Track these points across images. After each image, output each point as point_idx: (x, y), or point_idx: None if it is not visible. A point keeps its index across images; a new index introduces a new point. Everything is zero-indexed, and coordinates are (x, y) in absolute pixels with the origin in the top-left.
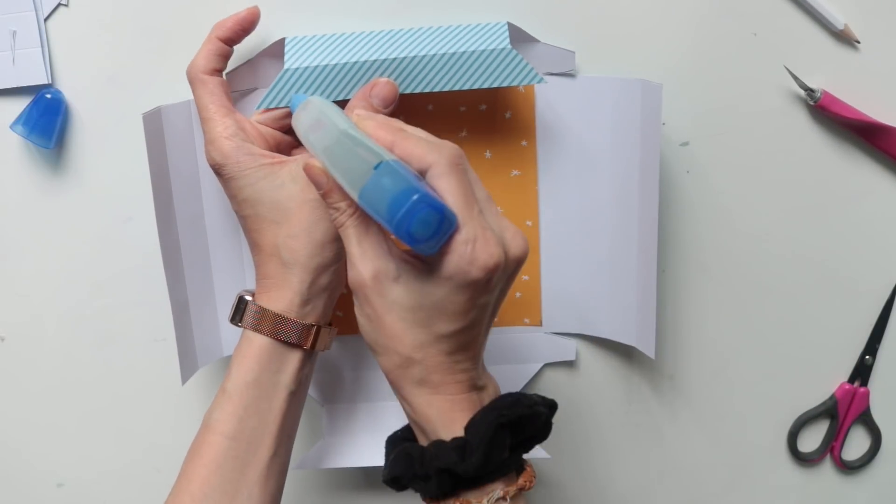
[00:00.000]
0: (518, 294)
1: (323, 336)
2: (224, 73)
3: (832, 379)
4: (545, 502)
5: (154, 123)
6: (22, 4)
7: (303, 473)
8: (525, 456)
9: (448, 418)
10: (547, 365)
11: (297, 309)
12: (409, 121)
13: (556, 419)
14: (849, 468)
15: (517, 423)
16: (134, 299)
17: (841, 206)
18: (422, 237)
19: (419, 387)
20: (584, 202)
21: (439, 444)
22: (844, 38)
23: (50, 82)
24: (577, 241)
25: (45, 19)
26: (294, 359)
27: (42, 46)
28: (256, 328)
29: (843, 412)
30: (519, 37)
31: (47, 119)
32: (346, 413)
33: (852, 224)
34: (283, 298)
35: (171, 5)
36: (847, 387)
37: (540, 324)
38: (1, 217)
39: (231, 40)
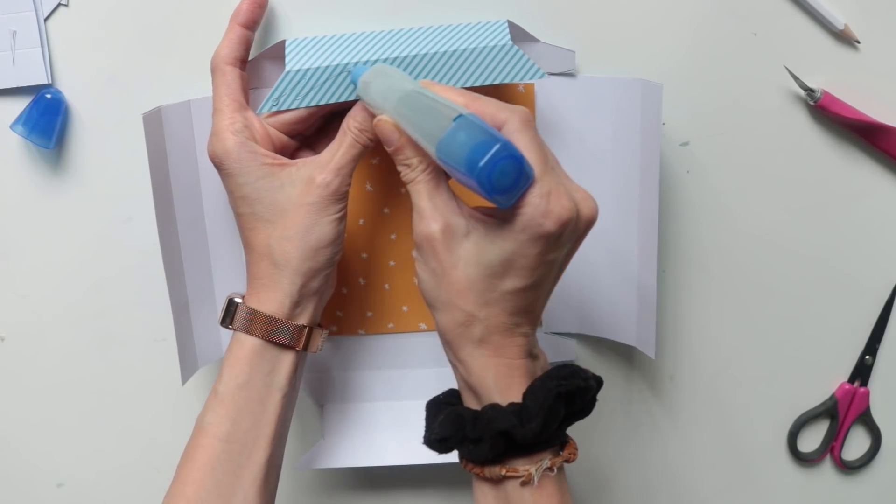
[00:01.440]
0: None
1: (314, 337)
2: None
3: (832, 379)
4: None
5: (154, 123)
6: (22, 4)
7: (302, 473)
8: None
9: (504, 383)
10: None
11: (287, 310)
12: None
13: None
14: (849, 468)
15: (571, 395)
16: (134, 299)
17: (841, 205)
18: (501, 187)
19: (478, 347)
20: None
21: (496, 407)
22: (844, 38)
23: (50, 82)
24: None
25: (45, 19)
26: (286, 360)
27: (42, 46)
28: (247, 330)
29: (843, 412)
30: (519, 36)
31: (47, 119)
32: (344, 413)
33: (852, 224)
34: (274, 300)
35: (170, 5)
36: (847, 387)
37: (540, 324)
38: (1, 217)
39: (251, 23)
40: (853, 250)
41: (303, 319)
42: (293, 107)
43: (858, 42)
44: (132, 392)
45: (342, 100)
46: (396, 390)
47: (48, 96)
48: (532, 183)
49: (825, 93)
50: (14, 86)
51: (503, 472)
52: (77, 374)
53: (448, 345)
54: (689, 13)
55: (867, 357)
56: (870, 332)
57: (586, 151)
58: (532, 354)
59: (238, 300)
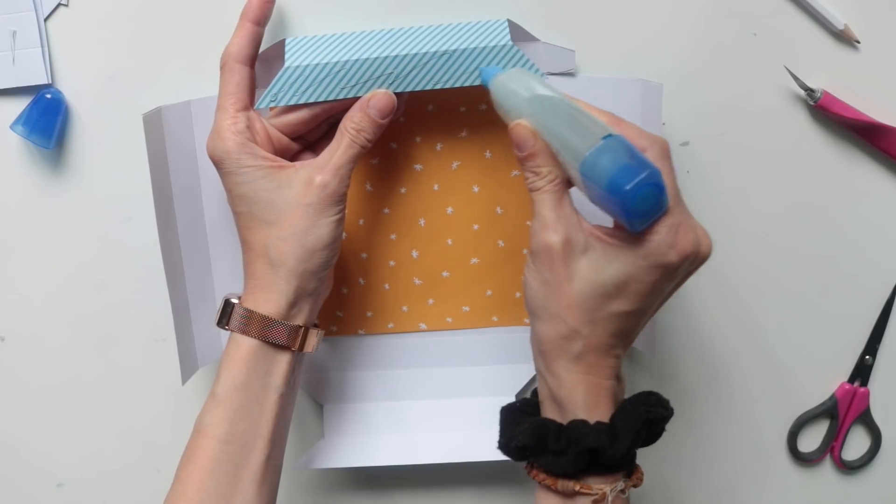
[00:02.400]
0: (518, 294)
1: (310, 337)
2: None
3: (832, 379)
4: None
5: (154, 124)
6: (22, 4)
7: (303, 473)
8: None
9: (593, 401)
10: None
11: (283, 311)
12: (409, 121)
13: None
14: (849, 468)
15: (652, 423)
16: (134, 299)
17: (841, 205)
18: (640, 211)
19: (574, 363)
20: (585, 202)
21: (585, 423)
22: (844, 38)
23: (50, 82)
24: None
25: (45, 19)
26: (283, 361)
27: (42, 46)
28: (244, 331)
29: (843, 412)
30: (519, 35)
31: (47, 119)
32: (344, 413)
33: (852, 224)
34: (270, 300)
35: (170, 5)
36: (847, 387)
37: None
38: (1, 217)
39: (261, 20)
40: (853, 250)
41: (299, 320)
42: (291, 103)
43: (858, 42)
44: (132, 392)
45: (341, 97)
46: (396, 390)
47: (48, 96)
48: (665, 212)
49: (825, 93)
50: (14, 86)
51: (577, 487)
52: (77, 373)
53: (543, 355)
54: (689, 13)
55: (867, 357)
56: (870, 332)
57: None
58: (619, 377)
59: (234, 301)
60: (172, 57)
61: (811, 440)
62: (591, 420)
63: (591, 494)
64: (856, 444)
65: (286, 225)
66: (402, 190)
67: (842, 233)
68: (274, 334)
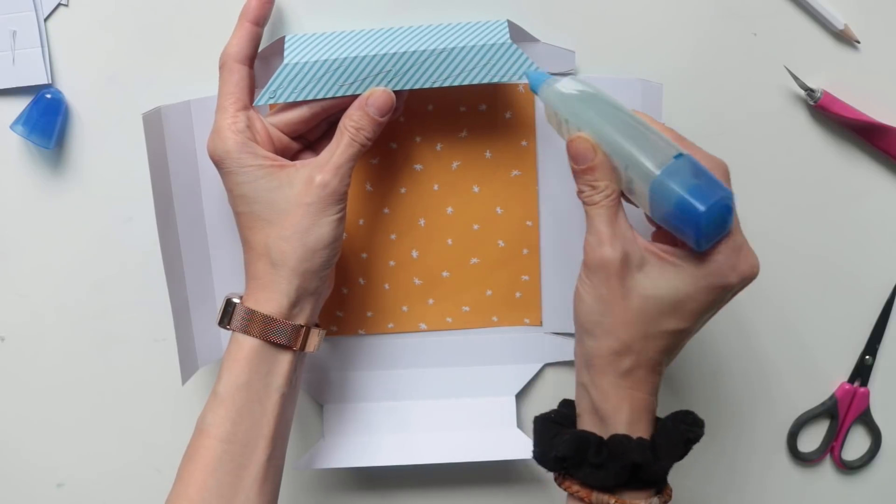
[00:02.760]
0: (518, 294)
1: (312, 337)
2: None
3: (832, 379)
4: (545, 502)
5: (154, 124)
6: (22, 4)
7: (303, 473)
8: (524, 456)
9: (636, 417)
10: (547, 365)
11: (285, 311)
12: (409, 121)
13: None
14: (849, 468)
15: (689, 442)
16: (134, 299)
17: (841, 205)
18: (709, 233)
19: (622, 378)
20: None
21: (628, 439)
22: (844, 38)
23: (50, 82)
24: (577, 242)
25: (45, 19)
26: (284, 360)
27: (42, 46)
28: (246, 330)
29: (843, 412)
30: (519, 36)
31: (47, 119)
32: (344, 413)
33: (852, 224)
34: (272, 300)
35: (170, 5)
36: (847, 387)
37: (540, 324)
38: (1, 217)
39: (260, 20)
40: (853, 250)
41: (300, 319)
42: (290, 100)
43: (858, 42)
44: (132, 392)
45: (340, 94)
46: (396, 390)
47: (48, 96)
48: (728, 234)
49: (825, 93)
50: (14, 86)
51: (612, 501)
52: (77, 373)
53: (591, 369)
54: (689, 13)
55: (867, 357)
56: (870, 332)
57: None
58: (656, 393)
59: (236, 300)
60: (172, 57)
61: (811, 440)
62: (633, 435)
63: None
64: (856, 444)
65: (287, 224)
66: (402, 190)
67: (842, 233)
68: (275, 334)
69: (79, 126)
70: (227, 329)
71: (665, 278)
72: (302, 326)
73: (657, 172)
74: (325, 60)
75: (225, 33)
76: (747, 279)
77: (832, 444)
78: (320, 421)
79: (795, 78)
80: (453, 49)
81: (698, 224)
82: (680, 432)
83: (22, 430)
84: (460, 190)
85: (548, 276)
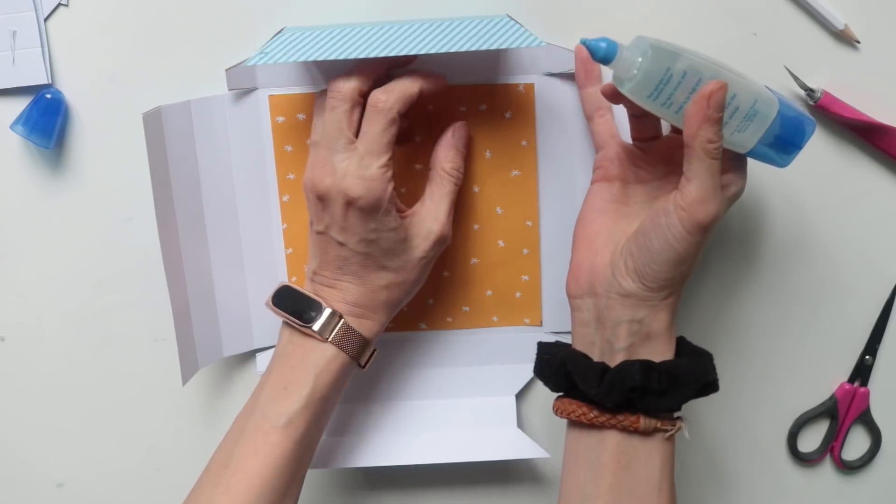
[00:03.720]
0: (518, 294)
1: (371, 358)
2: (225, 70)
3: (832, 379)
4: (545, 502)
5: (154, 124)
6: (22, 4)
7: None
8: (524, 456)
9: (674, 338)
10: None
11: (375, 337)
12: (410, 122)
13: (556, 419)
14: (849, 468)
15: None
16: (134, 299)
17: (841, 205)
18: (801, 146)
19: (676, 304)
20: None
21: (687, 363)
22: (844, 38)
23: (50, 82)
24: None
25: (45, 19)
26: (352, 375)
27: (42, 46)
28: (342, 346)
29: (843, 412)
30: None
31: (47, 119)
32: (345, 414)
33: (852, 224)
34: (373, 328)
35: (170, 5)
36: (847, 387)
37: (540, 324)
38: (1, 217)
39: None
40: (853, 250)
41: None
42: (282, 61)
43: (858, 42)
44: (132, 392)
45: (340, 57)
46: (396, 390)
47: (48, 96)
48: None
49: (825, 93)
50: (14, 86)
51: (659, 424)
52: (77, 374)
53: (657, 307)
54: (689, 13)
55: (867, 357)
56: (870, 332)
57: (586, 152)
58: None
59: (331, 311)
60: (172, 57)
61: (811, 440)
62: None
63: (668, 429)
64: (856, 444)
65: (405, 275)
66: (403, 190)
67: (842, 233)
68: (364, 356)
69: (79, 126)
70: (325, 341)
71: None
72: (375, 350)
73: (779, 101)
74: (324, 28)
75: (225, 33)
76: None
77: (832, 444)
78: None
79: (795, 78)
80: (452, 20)
81: (806, 136)
82: (704, 350)
83: (22, 430)
84: (460, 190)
85: (548, 276)
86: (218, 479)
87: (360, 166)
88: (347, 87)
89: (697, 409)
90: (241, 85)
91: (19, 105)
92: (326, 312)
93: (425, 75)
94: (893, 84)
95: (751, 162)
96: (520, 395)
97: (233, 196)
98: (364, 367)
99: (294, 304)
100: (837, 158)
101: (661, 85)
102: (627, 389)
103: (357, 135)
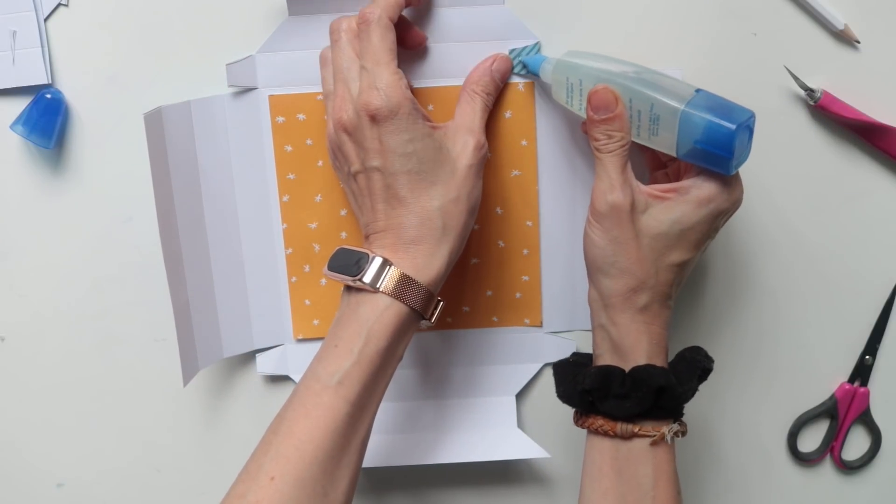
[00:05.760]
0: (518, 294)
1: (437, 310)
2: (227, 65)
3: (832, 379)
4: (545, 502)
5: (155, 124)
6: (22, 4)
7: None
8: (524, 456)
9: (655, 350)
10: (547, 365)
11: (439, 280)
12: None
13: (556, 419)
14: (849, 468)
15: (704, 374)
16: (134, 299)
17: (841, 205)
18: (738, 154)
19: (640, 313)
20: (585, 202)
21: (651, 366)
22: (844, 38)
23: (50, 82)
24: (577, 242)
25: (45, 19)
26: (414, 328)
27: (42, 46)
28: (399, 296)
29: (843, 412)
30: (518, 32)
31: (47, 119)
32: None
33: (852, 224)
34: (433, 268)
35: (170, 5)
36: (847, 387)
37: (540, 324)
38: (1, 217)
39: None
40: (853, 250)
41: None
42: None
43: (858, 42)
44: (132, 392)
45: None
46: (396, 390)
47: (48, 96)
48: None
49: (825, 93)
50: (14, 86)
51: (636, 429)
52: (77, 373)
53: (609, 308)
54: (689, 13)
55: (867, 357)
56: (870, 332)
57: (586, 152)
58: (668, 327)
59: (381, 259)
60: (172, 57)
61: (811, 440)
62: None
63: (650, 436)
64: (856, 444)
65: (454, 186)
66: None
67: (842, 233)
68: (426, 305)
69: (79, 126)
70: (376, 290)
71: (668, 215)
72: (440, 300)
73: (682, 106)
74: None
75: (225, 33)
76: (738, 203)
77: (832, 444)
78: None
79: (795, 78)
80: None
81: (730, 144)
82: (697, 361)
83: (22, 430)
84: None
85: (548, 276)
86: (268, 446)
87: (370, 80)
88: (344, 22)
89: (698, 409)
90: (242, 81)
91: (19, 105)
92: (376, 261)
93: None
94: (893, 84)
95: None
96: (520, 396)
97: (233, 196)
98: (430, 318)
99: (345, 262)
100: (837, 158)
101: (570, 91)
102: (581, 392)
103: (387, 52)
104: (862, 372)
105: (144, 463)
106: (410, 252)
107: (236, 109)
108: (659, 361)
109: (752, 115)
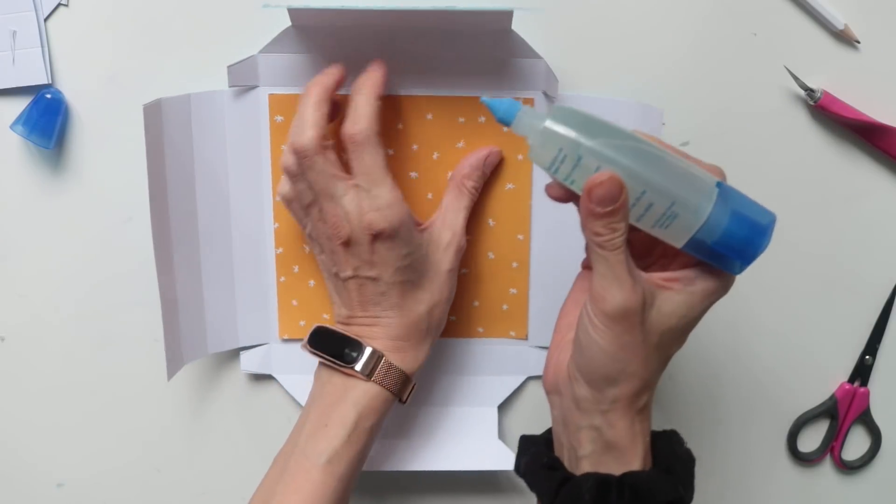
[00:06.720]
0: (505, 307)
1: (412, 391)
2: (228, 67)
3: (832, 379)
4: None
5: (154, 116)
6: (22, 4)
7: None
8: (504, 467)
9: (647, 451)
10: (530, 378)
11: (418, 370)
12: (406, 129)
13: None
14: (849, 468)
15: None
16: (134, 299)
17: (841, 205)
18: (753, 257)
19: (639, 413)
20: (576, 219)
21: (649, 476)
22: (844, 38)
23: (50, 82)
24: (566, 257)
25: (45, 19)
26: (391, 410)
27: (42, 46)
28: (384, 384)
29: (843, 412)
30: (521, 51)
31: (47, 119)
32: None
33: (852, 224)
34: (416, 360)
35: (171, 5)
36: (847, 387)
37: (525, 337)
38: (1, 217)
39: (380, 93)
40: (853, 250)
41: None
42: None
43: (858, 42)
44: (132, 392)
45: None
46: None
47: (48, 96)
48: None
49: (825, 93)
50: (14, 86)
51: None
52: (77, 373)
53: (610, 412)
54: (689, 13)
55: (867, 357)
56: (870, 332)
57: None
58: None
59: (372, 349)
60: (172, 57)
61: (811, 440)
62: (646, 466)
63: None
64: (856, 444)
65: (438, 291)
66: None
67: (842, 232)
68: (405, 391)
69: (79, 126)
70: (369, 380)
71: (674, 308)
72: (414, 384)
73: (709, 209)
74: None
75: (225, 34)
76: (730, 285)
77: (832, 444)
78: None
79: (795, 78)
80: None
81: (759, 245)
82: (689, 456)
83: (22, 430)
84: None
85: (536, 290)
86: None
87: (371, 199)
88: (307, 141)
89: (698, 409)
90: (243, 82)
91: (19, 105)
92: (368, 351)
93: (370, 82)
94: (893, 84)
95: (749, 157)
96: (502, 407)
97: (226, 192)
98: (404, 401)
99: (333, 345)
100: (837, 158)
101: (556, 163)
102: None
103: (346, 171)
104: (862, 372)
105: (144, 463)
106: (399, 346)
107: (236, 106)
108: (649, 460)
109: (773, 220)
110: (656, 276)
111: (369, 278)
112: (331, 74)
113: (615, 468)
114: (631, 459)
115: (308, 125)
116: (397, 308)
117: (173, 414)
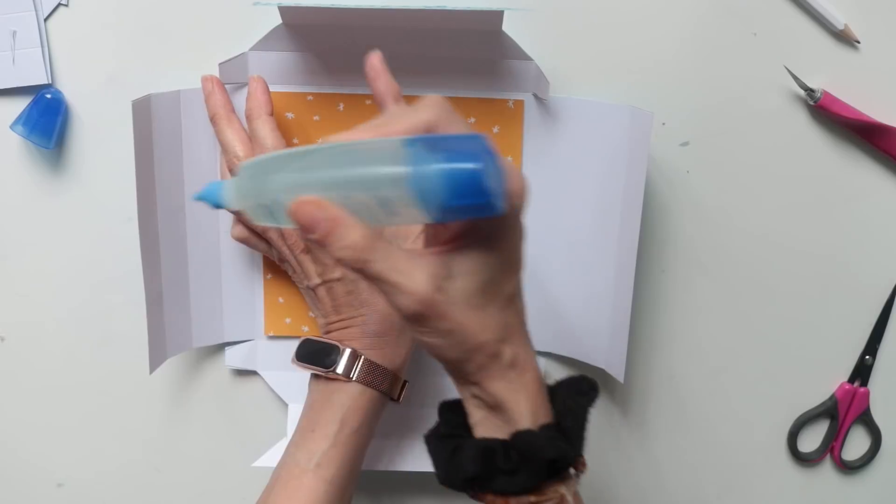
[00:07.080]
0: None
1: (405, 389)
2: (219, 63)
3: (832, 379)
4: None
5: (143, 111)
6: (22, 4)
7: (262, 472)
8: None
9: (535, 403)
10: None
11: (406, 364)
12: None
13: None
14: (849, 468)
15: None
16: (134, 299)
17: (841, 206)
18: (496, 187)
19: (510, 370)
20: (565, 224)
21: (533, 434)
22: (844, 38)
23: (50, 82)
24: (554, 262)
25: (45, 19)
26: (385, 407)
27: (42, 46)
28: (368, 382)
29: (843, 412)
30: (513, 52)
31: (47, 119)
32: None
33: (852, 224)
34: (397, 355)
35: (171, 5)
36: (847, 387)
37: None
38: (1, 217)
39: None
40: (853, 250)
41: (404, 373)
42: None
43: (858, 42)
44: (132, 392)
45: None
46: None
47: (48, 96)
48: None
49: (825, 93)
50: (14, 86)
51: (533, 499)
52: (77, 373)
53: (480, 383)
54: (689, 13)
55: (867, 357)
56: (870, 332)
57: (570, 173)
58: (536, 359)
59: (350, 350)
60: (173, 57)
61: (811, 440)
62: (536, 424)
63: (550, 499)
64: (856, 444)
65: None
66: None
67: (842, 232)
68: (394, 389)
69: (79, 126)
70: (348, 380)
71: (474, 260)
72: (405, 381)
73: (405, 169)
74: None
75: (225, 34)
76: (524, 191)
77: (832, 444)
78: (285, 419)
79: (795, 78)
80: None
81: (483, 185)
82: (583, 408)
83: (22, 430)
84: None
85: (524, 294)
86: None
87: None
88: (236, 230)
89: (697, 409)
90: (234, 80)
91: (19, 105)
92: (347, 353)
93: (256, 104)
94: (893, 84)
95: (749, 156)
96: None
97: None
98: (398, 399)
99: (314, 354)
100: (837, 158)
101: (273, 215)
102: (464, 480)
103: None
104: (862, 372)
105: (144, 463)
106: (376, 342)
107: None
108: (542, 414)
109: (481, 139)
110: (440, 243)
111: (335, 280)
112: (212, 91)
113: (505, 430)
114: (518, 418)
115: (236, 145)
116: (368, 305)
117: (173, 414)
